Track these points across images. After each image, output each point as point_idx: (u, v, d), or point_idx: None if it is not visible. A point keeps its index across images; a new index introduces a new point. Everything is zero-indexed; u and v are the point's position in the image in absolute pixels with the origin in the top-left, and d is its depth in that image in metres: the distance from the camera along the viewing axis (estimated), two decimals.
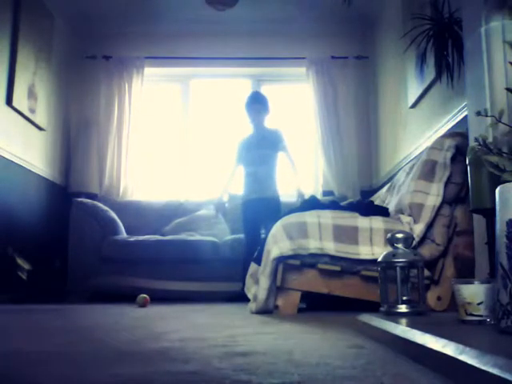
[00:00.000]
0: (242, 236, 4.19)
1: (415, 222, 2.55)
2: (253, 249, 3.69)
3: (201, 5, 4.58)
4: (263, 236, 3.82)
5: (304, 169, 5.46)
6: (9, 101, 4.03)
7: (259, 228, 3.96)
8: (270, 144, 4.11)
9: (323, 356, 1.23)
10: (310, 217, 2.67)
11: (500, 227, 1.17)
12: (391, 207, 2.93)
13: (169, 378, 0.97)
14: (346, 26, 5.34)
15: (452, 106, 3.18)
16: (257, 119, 4.17)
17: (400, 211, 2.73)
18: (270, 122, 4.25)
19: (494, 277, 1.30)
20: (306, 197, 3.90)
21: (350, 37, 5.42)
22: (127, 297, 3.96)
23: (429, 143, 3.03)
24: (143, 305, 3.22)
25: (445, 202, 2.56)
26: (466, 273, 2.41)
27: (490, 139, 1.85)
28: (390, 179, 3.92)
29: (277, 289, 2.68)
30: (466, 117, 2.45)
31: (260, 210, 3.94)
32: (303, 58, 5.32)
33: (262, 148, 4.10)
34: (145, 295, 3.28)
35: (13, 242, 3.89)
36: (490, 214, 1.84)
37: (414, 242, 2.36)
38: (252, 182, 4.07)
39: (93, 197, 4.86)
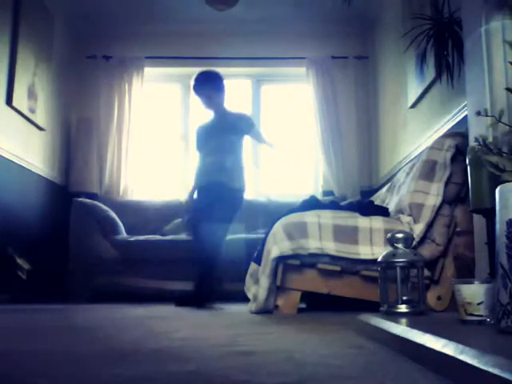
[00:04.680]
0: (242, 236, 4.15)
1: (415, 221, 2.55)
2: (202, 251, 3.33)
3: (201, 5, 4.57)
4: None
5: (304, 169, 5.47)
6: (9, 101, 4.03)
7: (200, 223, 3.42)
8: (237, 129, 3.60)
9: (323, 356, 1.23)
10: (310, 217, 2.67)
11: (500, 227, 1.17)
12: (391, 207, 2.93)
13: (169, 377, 0.97)
14: (346, 26, 5.34)
15: (452, 106, 3.18)
16: (211, 104, 3.65)
17: (400, 211, 2.73)
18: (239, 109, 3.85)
19: (493, 277, 1.30)
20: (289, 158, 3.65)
21: (350, 37, 5.42)
22: (127, 297, 3.97)
23: (429, 143, 3.03)
24: None
25: (445, 201, 2.56)
26: (465, 273, 2.41)
27: (490, 139, 1.85)
28: (390, 179, 3.92)
29: (277, 289, 2.68)
30: (465, 117, 2.45)
31: (215, 197, 3.43)
32: (303, 58, 5.32)
33: (229, 133, 3.58)
34: None
35: (13, 242, 3.89)
36: (489, 213, 1.84)
37: (414, 242, 2.36)
38: (214, 170, 3.52)
39: (93, 196, 4.85)
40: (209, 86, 3.63)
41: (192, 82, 3.71)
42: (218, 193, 3.44)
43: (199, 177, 3.67)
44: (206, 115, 3.85)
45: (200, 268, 3.38)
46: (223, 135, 3.59)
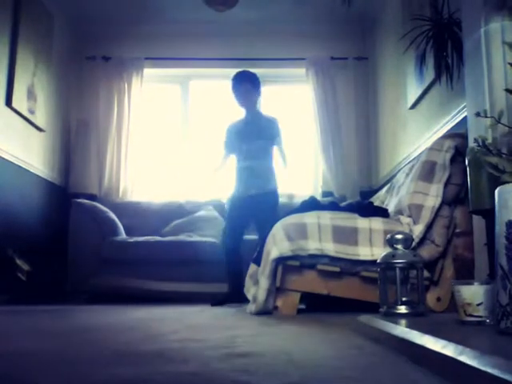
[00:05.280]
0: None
1: (415, 222, 2.55)
2: (234, 253, 3.65)
3: (200, 5, 4.57)
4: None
5: (304, 169, 5.47)
6: (8, 102, 4.03)
7: (243, 230, 3.73)
8: (267, 134, 3.74)
9: (323, 357, 1.23)
10: (310, 218, 2.67)
11: (499, 228, 1.17)
12: (391, 208, 2.93)
13: (168, 378, 0.97)
14: (345, 27, 5.35)
15: (451, 107, 3.18)
16: (247, 101, 3.76)
17: (399, 212, 2.73)
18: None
19: (493, 278, 1.30)
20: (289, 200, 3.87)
21: (349, 38, 5.42)
22: (126, 298, 3.96)
23: (428, 144, 3.03)
24: None
25: (444, 202, 2.56)
26: (465, 274, 2.41)
27: (490, 140, 1.84)
28: (390, 180, 3.92)
29: (276, 290, 2.68)
30: (465, 118, 2.45)
31: (256, 208, 3.63)
32: (303, 59, 5.32)
33: (259, 138, 3.71)
34: None
35: (12, 243, 3.89)
36: (489, 214, 1.84)
37: (414, 243, 2.36)
38: (248, 177, 3.70)
39: (92, 198, 4.85)
40: (249, 81, 3.75)
41: (232, 80, 3.81)
42: (258, 205, 3.62)
43: (237, 186, 3.77)
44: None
45: (236, 269, 3.60)
46: (255, 140, 3.72)
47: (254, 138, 3.71)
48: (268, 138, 3.75)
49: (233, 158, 3.88)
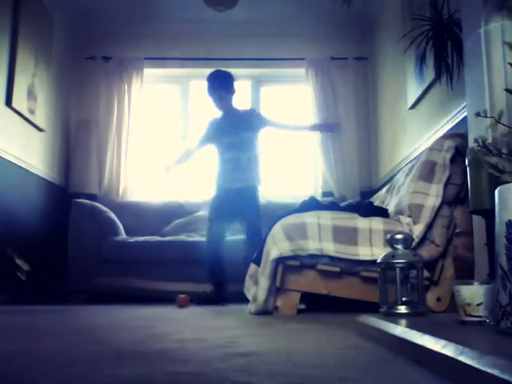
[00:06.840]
0: (240, 237, 4.12)
1: (415, 222, 2.55)
2: (214, 247, 3.69)
3: (200, 6, 4.57)
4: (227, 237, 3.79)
5: (304, 169, 5.48)
6: (8, 101, 4.03)
7: (228, 227, 3.75)
8: (250, 125, 3.80)
9: (323, 357, 1.23)
10: (310, 217, 2.67)
11: (499, 228, 1.17)
12: (391, 208, 2.93)
13: (168, 378, 0.97)
14: (345, 27, 5.35)
15: (451, 107, 3.18)
16: (222, 105, 3.86)
17: (400, 212, 2.73)
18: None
19: (493, 278, 1.30)
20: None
21: (349, 38, 5.43)
22: (126, 298, 3.97)
23: (428, 144, 3.03)
24: (181, 305, 3.27)
25: (444, 202, 2.56)
26: (465, 274, 2.41)
27: (490, 140, 1.85)
28: (390, 180, 3.92)
29: (276, 290, 2.68)
30: (465, 118, 2.45)
31: (242, 205, 3.68)
32: (303, 59, 5.33)
33: (244, 130, 3.76)
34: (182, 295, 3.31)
35: (12, 243, 3.89)
36: (489, 214, 1.84)
37: (414, 243, 2.36)
38: (232, 169, 3.73)
39: (92, 197, 4.85)
40: (222, 88, 3.83)
41: (207, 82, 3.89)
42: (241, 200, 3.67)
43: (220, 178, 3.82)
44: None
45: (221, 269, 3.64)
46: (240, 132, 3.77)
47: (237, 130, 3.77)
48: (252, 128, 3.82)
49: (205, 152, 4.03)
